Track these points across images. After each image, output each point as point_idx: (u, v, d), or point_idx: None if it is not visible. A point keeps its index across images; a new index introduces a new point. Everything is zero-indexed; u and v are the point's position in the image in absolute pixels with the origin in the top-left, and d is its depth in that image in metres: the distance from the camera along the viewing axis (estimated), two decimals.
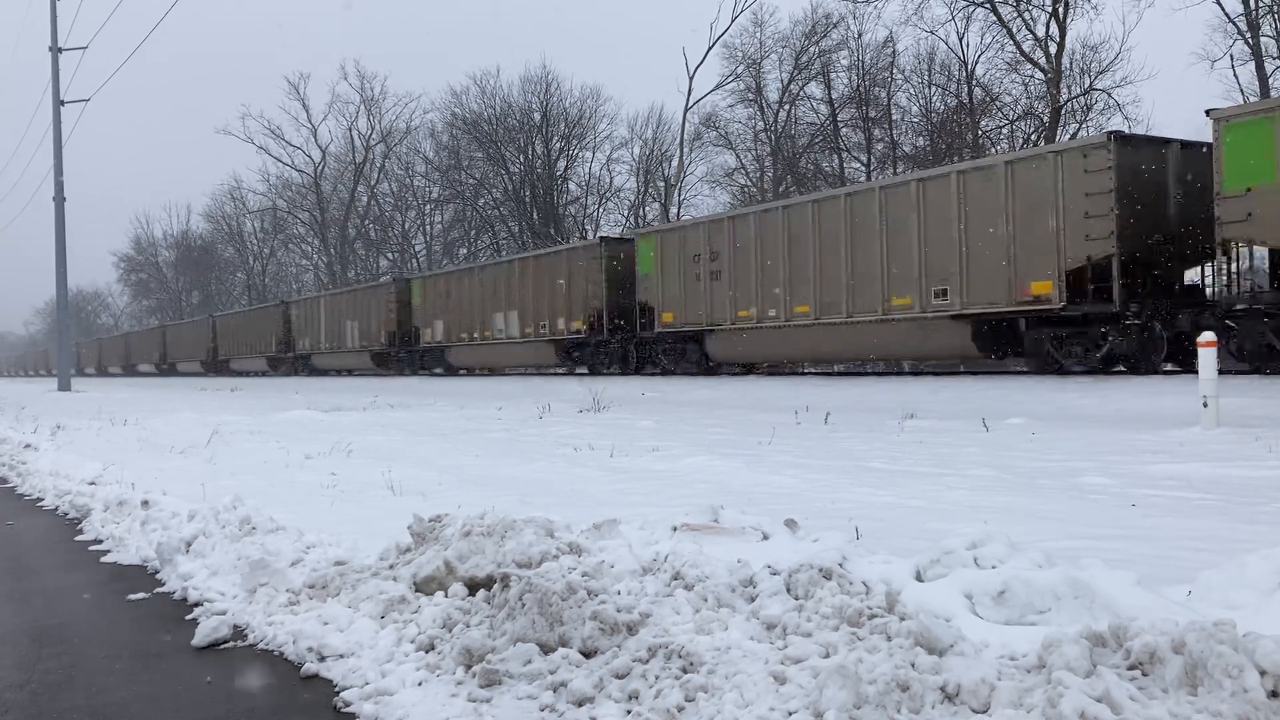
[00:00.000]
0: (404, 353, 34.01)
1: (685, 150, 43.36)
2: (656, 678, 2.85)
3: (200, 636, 3.77)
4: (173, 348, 58.85)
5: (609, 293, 24.22)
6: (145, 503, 6.28)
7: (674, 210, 43.32)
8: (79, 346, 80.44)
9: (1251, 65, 29.02)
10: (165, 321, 69.55)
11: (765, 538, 4.25)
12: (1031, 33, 31.60)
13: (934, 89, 36.36)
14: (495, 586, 3.54)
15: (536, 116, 48.59)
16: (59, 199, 31.34)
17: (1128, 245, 13.99)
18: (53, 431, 13.21)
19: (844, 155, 38.46)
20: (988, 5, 31.76)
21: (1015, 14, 31.55)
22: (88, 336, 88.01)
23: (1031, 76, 32.58)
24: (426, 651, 3.34)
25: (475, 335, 29.66)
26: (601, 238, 27.66)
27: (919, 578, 3.39)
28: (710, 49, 40.83)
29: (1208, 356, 9.15)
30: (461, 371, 32.00)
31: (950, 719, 2.49)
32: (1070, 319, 14.79)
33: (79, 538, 6.14)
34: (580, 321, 24.96)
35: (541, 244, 40.99)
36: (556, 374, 27.98)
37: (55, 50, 31.96)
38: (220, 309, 65.18)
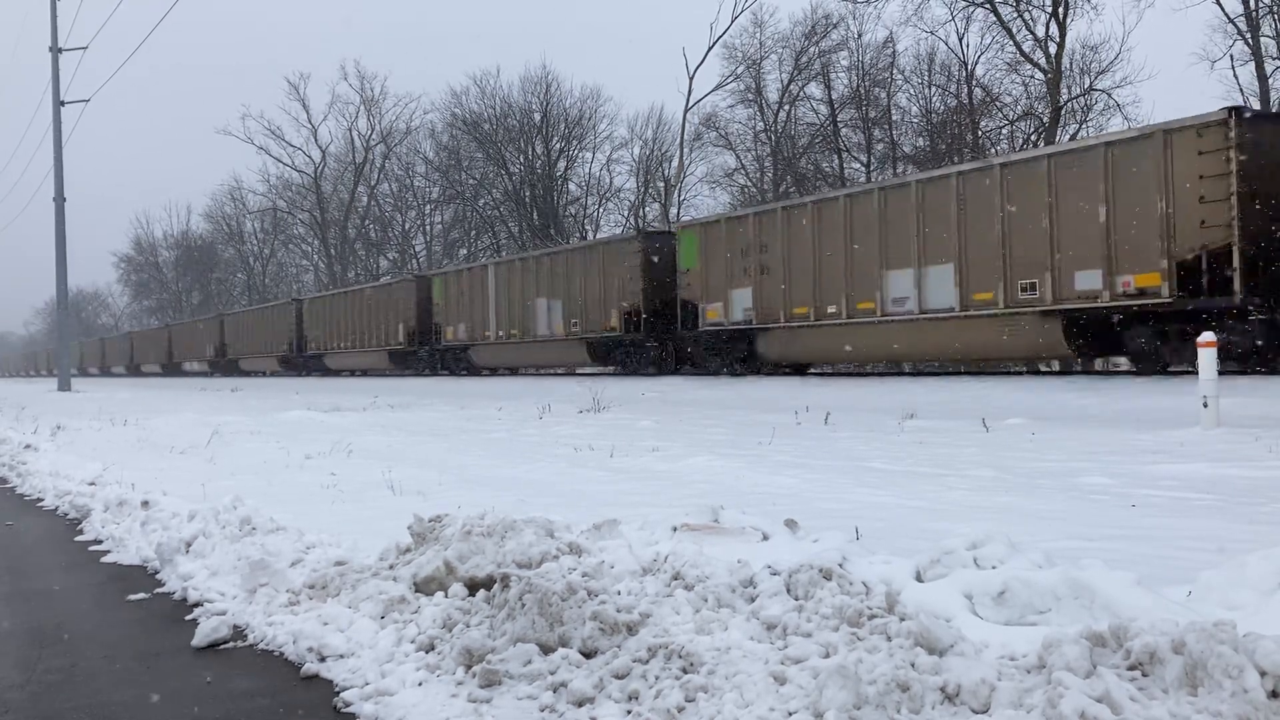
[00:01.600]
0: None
1: (685, 151, 43.37)
2: (656, 678, 2.85)
3: (200, 636, 3.78)
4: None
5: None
6: (145, 503, 6.28)
7: (674, 211, 43.31)
8: (81, 346, 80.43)
9: (1251, 65, 29.02)
10: (170, 321, 69.26)
11: (765, 538, 4.25)
12: (1031, 33, 31.62)
13: (934, 89, 36.39)
14: (495, 587, 3.54)
15: (536, 117, 48.64)
16: (59, 199, 31.36)
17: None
18: (53, 432, 13.21)
19: (844, 156, 38.47)
20: (988, 6, 31.76)
21: (1015, 14, 31.57)
22: (88, 336, 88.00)
23: (1031, 77, 32.61)
24: (426, 652, 3.34)
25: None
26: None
27: (919, 578, 3.39)
28: (710, 49, 40.84)
29: (1207, 357, 9.16)
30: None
31: (950, 719, 2.49)
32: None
33: (79, 538, 6.14)
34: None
35: (542, 244, 40.96)
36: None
37: (55, 50, 31.97)
38: (221, 309, 65.13)
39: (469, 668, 3.11)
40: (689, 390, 18.98)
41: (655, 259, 22.99)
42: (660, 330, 22.90)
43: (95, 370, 76.92)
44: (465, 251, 53.19)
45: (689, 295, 21.44)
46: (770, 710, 2.57)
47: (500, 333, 28.24)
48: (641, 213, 47.08)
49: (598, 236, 33.38)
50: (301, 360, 42.29)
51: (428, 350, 32.42)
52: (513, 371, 30.20)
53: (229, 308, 63.55)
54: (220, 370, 50.82)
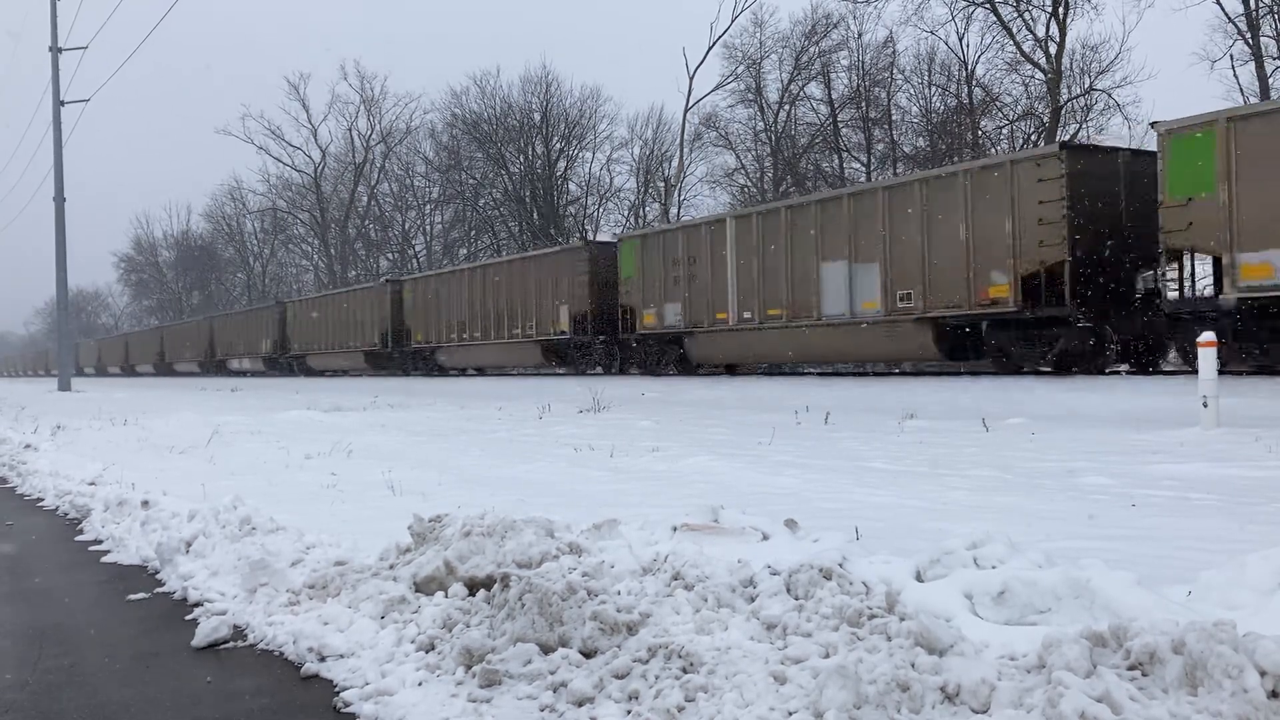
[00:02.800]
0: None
1: (685, 150, 43.38)
2: (656, 678, 2.85)
3: (200, 636, 3.78)
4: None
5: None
6: (145, 503, 6.28)
7: (674, 210, 43.33)
8: (78, 347, 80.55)
9: (1251, 65, 29.02)
10: (164, 322, 69.99)
11: (765, 538, 4.25)
12: (1031, 33, 31.63)
13: (934, 89, 36.38)
14: (495, 586, 3.54)
15: (536, 117, 48.61)
16: (59, 199, 31.36)
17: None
18: (53, 431, 13.21)
19: (844, 155, 38.47)
20: (988, 5, 31.76)
21: (1015, 14, 31.57)
22: (88, 336, 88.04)
23: (1032, 77, 32.62)
24: (426, 651, 3.34)
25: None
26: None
27: (919, 578, 3.39)
28: (710, 49, 40.85)
29: (1207, 357, 9.15)
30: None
31: (950, 719, 2.49)
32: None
33: (79, 538, 6.14)
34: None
35: (541, 244, 41.00)
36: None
37: (55, 50, 31.97)
38: (221, 309, 65.30)
39: (469, 668, 3.11)
40: (688, 390, 19.02)
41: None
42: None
43: (91, 370, 77.13)
44: (465, 251, 53.16)
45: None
46: (770, 710, 2.57)
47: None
48: (642, 212, 47.12)
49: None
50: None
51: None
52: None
53: (221, 310, 63.88)
54: (209, 370, 52.03)
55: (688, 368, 22.41)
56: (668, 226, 25.47)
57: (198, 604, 4.28)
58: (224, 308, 66.27)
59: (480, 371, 31.92)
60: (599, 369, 25.31)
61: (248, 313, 50.93)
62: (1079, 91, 31.89)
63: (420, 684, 3.11)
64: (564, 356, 26.56)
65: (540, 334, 26.39)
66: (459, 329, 30.43)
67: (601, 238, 36.01)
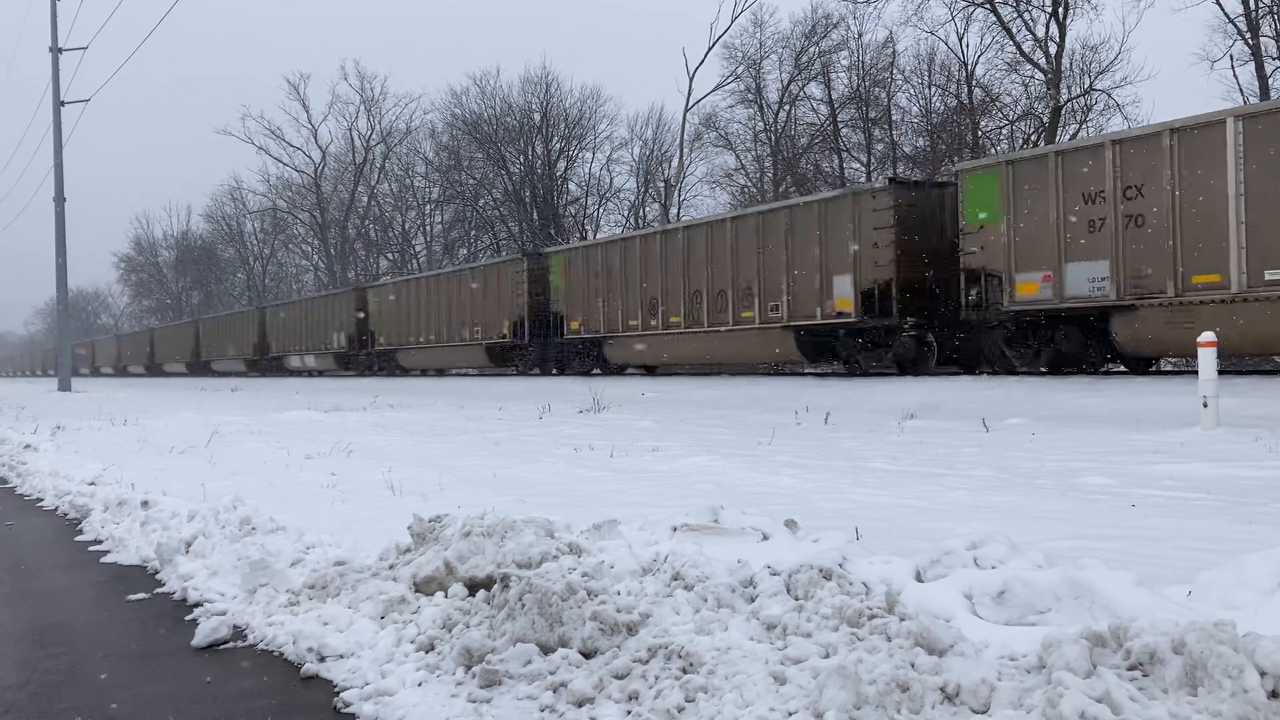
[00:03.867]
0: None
1: (685, 151, 43.31)
2: (656, 678, 2.85)
3: (200, 637, 3.77)
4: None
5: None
6: (145, 503, 6.28)
7: (674, 211, 43.30)
8: (74, 348, 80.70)
9: (1251, 66, 29.02)
10: (153, 325, 70.67)
11: (765, 538, 4.25)
12: (1031, 33, 31.57)
13: (934, 89, 36.33)
14: (495, 587, 3.54)
15: (536, 117, 48.53)
16: (59, 199, 31.34)
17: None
18: (53, 432, 13.21)
19: (844, 156, 38.45)
20: (988, 6, 31.73)
21: (1015, 14, 31.52)
22: (87, 337, 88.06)
23: (1031, 77, 32.55)
24: (426, 652, 3.34)
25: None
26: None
27: (919, 578, 3.39)
28: (710, 49, 40.79)
29: (1207, 357, 9.15)
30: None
31: (950, 719, 2.49)
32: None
33: (79, 538, 6.14)
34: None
35: (541, 244, 41.07)
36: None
37: (55, 50, 31.95)
38: (220, 309, 65.41)
39: (469, 668, 3.11)
40: (688, 390, 19.07)
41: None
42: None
43: (86, 371, 77.31)
44: (465, 251, 53.14)
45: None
46: (770, 710, 2.57)
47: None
48: (642, 213, 47.10)
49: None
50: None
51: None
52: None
53: (219, 310, 64.23)
54: (196, 371, 53.39)
55: (609, 368, 24.73)
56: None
57: (198, 604, 4.28)
58: (225, 308, 66.36)
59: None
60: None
61: (230, 316, 52.59)
62: (1079, 92, 31.88)
63: (420, 684, 3.11)
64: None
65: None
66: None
67: (592, 240, 36.39)
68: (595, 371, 24.83)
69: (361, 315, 36.25)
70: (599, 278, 23.91)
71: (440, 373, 33.63)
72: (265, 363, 45.31)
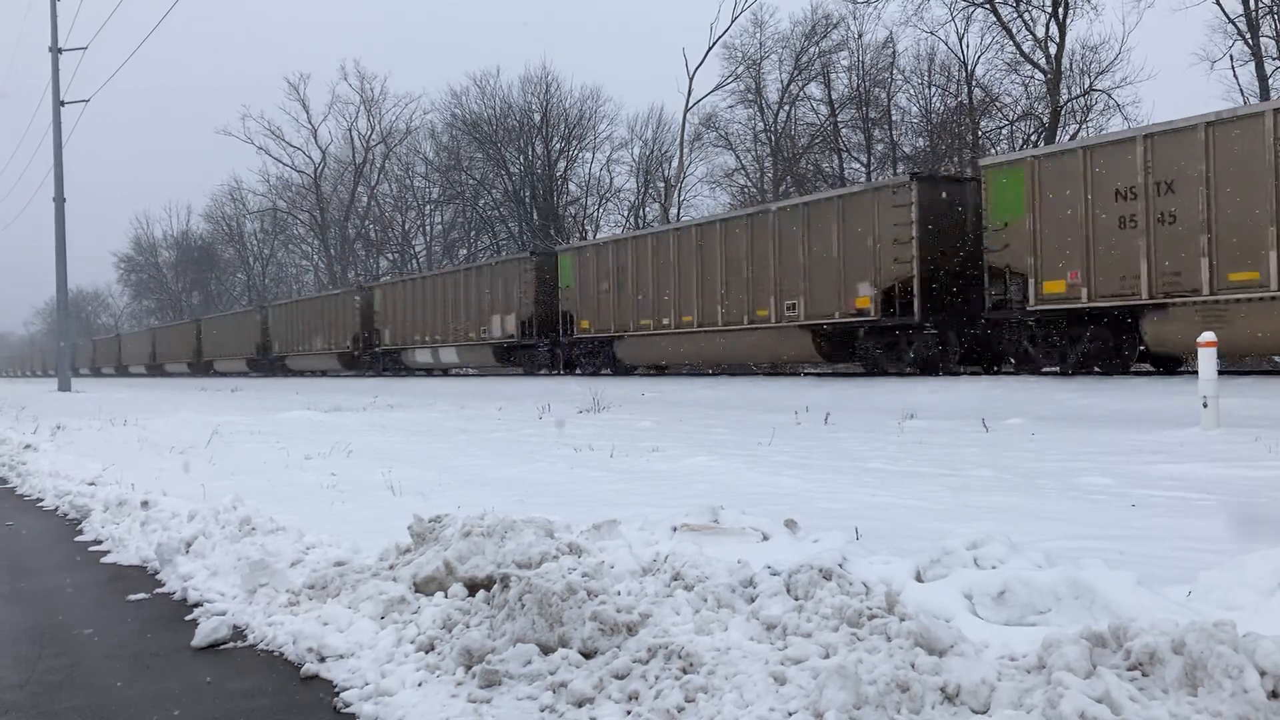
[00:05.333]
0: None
1: (685, 151, 43.32)
2: (656, 678, 2.85)
3: (200, 637, 3.77)
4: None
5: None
6: (145, 503, 6.28)
7: (674, 211, 43.29)
8: (74, 347, 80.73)
9: (1251, 66, 29.02)
10: (154, 325, 70.70)
11: (765, 538, 4.25)
12: (1031, 33, 31.59)
13: (934, 89, 36.35)
14: (495, 587, 3.54)
15: (536, 117, 48.55)
16: (59, 199, 31.33)
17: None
18: (53, 432, 13.21)
19: (844, 156, 38.45)
20: (988, 6, 31.74)
21: (1015, 14, 31.53)
22: (87, 337, 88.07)
23: (1031, 77, 32.58)
24: (426, 652, 3.34)
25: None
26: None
27: (919, 578, 3.39)
28: (710, 49, 40.79)
29: (1207, 357, 9.15)
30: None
31: (950, 719, 2.49)
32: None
33: (79, 538, 6.14)
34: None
35: (541, 244, 41.08)
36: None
37: (55, 50, 31.95)
38: (220, 310, 65.45)
39: (469, 668, 3.11)
40: (688, 390, 19.05)
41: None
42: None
43: (86, 370, 77.34)
44: (465, 251, 53.15)
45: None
46: (770, 710, 2.57)
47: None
48: (642, 213, 47.09)
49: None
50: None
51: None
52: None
53: (218, 311, 64.24)
54: (197, 371, 53.37)
55: (620, 368, 24.53)
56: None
57: (198, 604, 4.28)
58: (225, 308, 66.40)
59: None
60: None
61: (232, 316, 52.59)
62: (1079, 92, 31.90)
63: (420, 684, 3.11)
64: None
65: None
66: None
67: (603, 239, 36.36)
68: (605, 371, 24.68)
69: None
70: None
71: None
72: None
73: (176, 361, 57.12)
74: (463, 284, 30.25)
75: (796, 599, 3.15)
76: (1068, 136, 29.96)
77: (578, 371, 25.78)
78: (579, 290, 24.91)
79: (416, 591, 3.84)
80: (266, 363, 45.33)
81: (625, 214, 48.12)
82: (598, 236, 41.67)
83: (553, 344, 26.55)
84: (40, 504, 7.70)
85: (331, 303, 39.48)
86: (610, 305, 23.70)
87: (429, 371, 34.02)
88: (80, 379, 56.81)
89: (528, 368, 27.97)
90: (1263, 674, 2.27)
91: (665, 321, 21.95)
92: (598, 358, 24.95)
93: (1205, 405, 9.10)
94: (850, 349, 18.45)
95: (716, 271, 20.44)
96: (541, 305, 26.49)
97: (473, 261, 39.58)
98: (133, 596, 4.57)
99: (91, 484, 7.72)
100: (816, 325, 18.39)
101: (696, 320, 21.06)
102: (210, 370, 51.67)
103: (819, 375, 20.66)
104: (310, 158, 60.69)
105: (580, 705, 2.82)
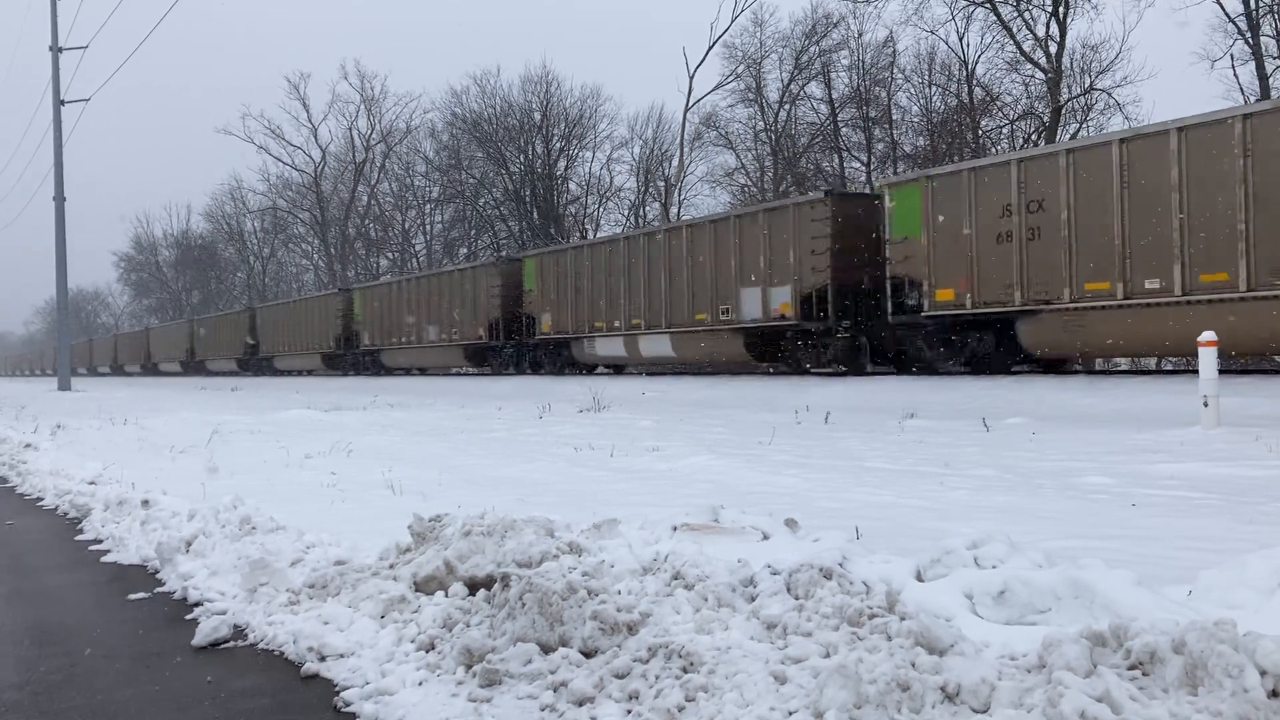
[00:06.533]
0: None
1: (685, 150, 43.29)
2: (657, 677, 2.85)
3: (200, 636, 3.77)
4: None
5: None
6: (145, 502, 6.28)
7: (674, 210, 43.28)
8: (72, 347, 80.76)
9: (1252, 65, 29.00)
10: (149, 325, 70.99)
11: (765, 537, 4.25)
12: (1032, 33, 31.57)
13: (934, 89, 36.33)
14: (495, 586, 3.54)
15: (537, 116, 48.52)
16: (59, 199, 31.33)
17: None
18: (53, 431, 13.20)
19: (844, 155, 38.44)
20: (988, 5, 31.72)
21: (1015, 14, 31.51)
22: (87, 336, 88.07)
23: (1032, 76, 32.56)
24: (427, 651, 3.34)
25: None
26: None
27: (919, 578, 3.39)
28: (710, 49, 40.76)
29: (1208, 356, 9.14)
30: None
31: (951, 719, 2.49)
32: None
33: (79, 537, 6.14)
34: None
35: (541, 243, 41.12)
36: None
37: (55, 50, 31.94)
38: (220, 309, 65.48)
39: (469, 667, 3.11)
40: (688, 390, 19.09)
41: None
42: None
43: (84, 370, 77.39)
44: (465, 251, 53.14)
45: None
46: (770, 710, 2.57)
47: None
48: (642, 212, 47.09)
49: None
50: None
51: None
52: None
53: (216, 311, 64.44)
54: (190, 370, 54.00)
55: (578, 368, 25.60)
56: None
57: (198, 603, 4.28)
58: (225, 307, 66.40)
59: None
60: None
61: (222, 317, 53.21)
62: (1079, 91, 31.87)
63: (420, 683, 3.11)
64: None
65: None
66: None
67: (563, 245, 36.69)
68: (566, 370, 25.80)
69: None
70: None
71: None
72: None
73: (170, 361, 57.70)
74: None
75: (797, 598, 3.15)
76: (1068, 136, 29.96)
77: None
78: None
79: (417, 591, 3.84)
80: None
81: (625, 213, 48.14)
82: (587, 238, 42.43)
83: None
84: (40, 503, 7.70)
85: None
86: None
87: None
88: (79, 378, 56.88)
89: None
90: (1263, 673, 2.27)
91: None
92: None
93: (1206, 404, 9.10)
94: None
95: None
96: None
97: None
98: (133, 596, 4.57)
99: (92, 483, 7.72)
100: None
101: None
102: (203, 370, 52.18)
103: (820, 375, 20.59)
104: (310, 157, 60.76)
105: (581, 704, 2.82)
